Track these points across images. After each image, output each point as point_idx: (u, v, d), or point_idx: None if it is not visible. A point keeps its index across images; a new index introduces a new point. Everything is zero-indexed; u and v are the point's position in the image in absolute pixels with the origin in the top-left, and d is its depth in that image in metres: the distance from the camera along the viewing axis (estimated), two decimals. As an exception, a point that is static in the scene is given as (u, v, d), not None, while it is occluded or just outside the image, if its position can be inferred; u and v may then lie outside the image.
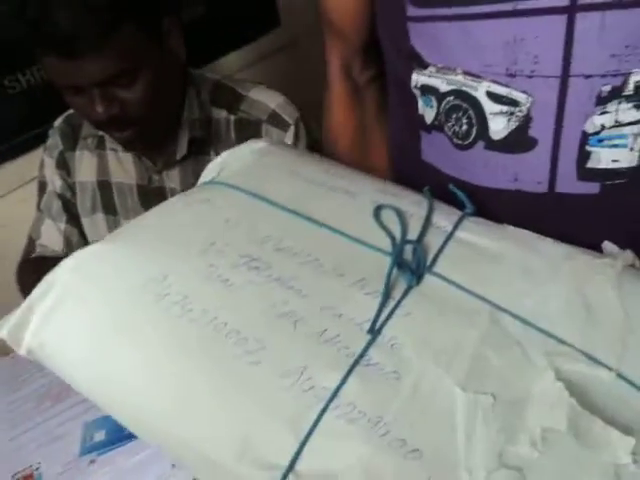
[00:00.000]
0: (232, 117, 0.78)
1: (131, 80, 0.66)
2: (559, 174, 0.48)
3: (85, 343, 0.40)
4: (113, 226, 0.84)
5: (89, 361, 0.40)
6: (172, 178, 0.80)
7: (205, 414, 0.37)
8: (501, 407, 0.34)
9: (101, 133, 0.80)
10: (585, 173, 0.47)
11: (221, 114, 0.78)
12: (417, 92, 0.52)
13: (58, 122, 0.85)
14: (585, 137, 0.45)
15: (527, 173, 0.49)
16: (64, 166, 0.84)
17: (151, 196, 0.80)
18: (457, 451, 0.33)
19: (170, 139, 0.77)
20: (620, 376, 0.36)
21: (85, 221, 0.85)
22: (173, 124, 0.76)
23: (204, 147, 0.78)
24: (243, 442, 0.35)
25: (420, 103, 0.53)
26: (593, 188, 0.47)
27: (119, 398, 0.39)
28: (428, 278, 0.41)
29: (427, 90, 0.51)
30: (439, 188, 0.50)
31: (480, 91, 0.47)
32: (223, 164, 0.52)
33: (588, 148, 0.45)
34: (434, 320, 0.39)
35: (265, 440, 0.35)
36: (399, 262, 0.41)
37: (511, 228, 0.46)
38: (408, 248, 0.43)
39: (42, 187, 0.86)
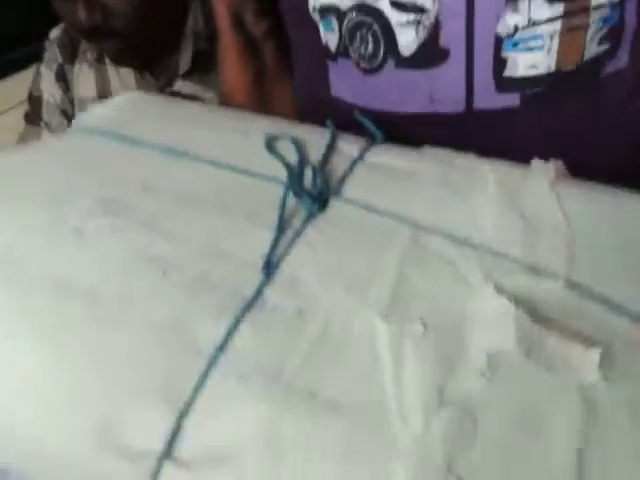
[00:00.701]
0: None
1: None
2: (476, 87, 0.42)
3: None
4: None
5: None
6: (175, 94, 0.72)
7: (50, 405, 0.27)
8: (434, 335, 0.27)
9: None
10: (503, 83, 0.42)
11: None
12: (317, 16, 0.46)
13: (55, 33, 0.77)
14: (499, 42, 0.40)
15: (442, 90, 0.43)
16: (63, 79, 0.77)
17: None
18: (384, 396, 0.25)
19: (171, 50, 0.71)
20: (570, 285, 0.30)
21: None
22: (173, 39, 0.70)
23: (209, 63, 0.70)
24: (100, 428, 0.26)
25: (322, 30, 0.46)
26: (513, 100, 0.42)
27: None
28: (334, 204, 0.34)
29: (327, 11, 0.45)
30: (352, 127, 0.44)
31: (383, 0, 0.41)
32: (86, 115, 0.44)
33: (504, 54, 0.40)
34: (343, 247, 0.31)
35: (129, 421, 0.26)
36: (297, 191, 0.33)
37: (427, 148, 0.39)
38: (308, 177, 0.35)
39: (36, 102, 0.79)
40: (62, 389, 0.27)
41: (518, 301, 0.28)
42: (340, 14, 0.44)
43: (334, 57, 0.46)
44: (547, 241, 0.32)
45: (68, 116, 0.80)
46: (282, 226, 0.31)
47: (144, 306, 0.28)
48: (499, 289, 0.28)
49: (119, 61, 0.73)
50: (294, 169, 0.34)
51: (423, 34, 0.41)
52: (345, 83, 0.48)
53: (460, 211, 0.33)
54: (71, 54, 0.79)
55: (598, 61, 0.42)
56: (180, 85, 0.74)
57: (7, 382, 0.27)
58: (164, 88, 0.73)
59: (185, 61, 0.72)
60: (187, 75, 0.73)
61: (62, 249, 0.30)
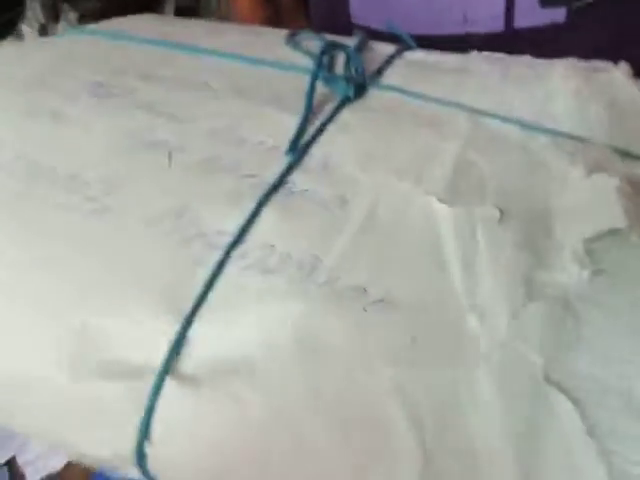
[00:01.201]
0: None
1: None
2: (517, 2, 0.37)
3: None
4: None
5: None
6: None
7: (20, 309, 0.21)
8: (513, 220, 0.21)
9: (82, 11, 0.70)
10: None
11: None
12: None
13: None
14: None
15: (478, 8, 0.38)
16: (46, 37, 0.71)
17: None
18: (452, 290, 0.19)
19: (154, 10, 0.66)
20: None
21: None
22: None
23: (194, 16, 0.67)
24: (84, 338, 0.20)
25: None
26: (558, 15, 0.37)
27: None
28: (372, 93, 0.28)
29: None
30: None
31: None
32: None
33: None
34: (387, 132, 0.25)
35: (119, 330, 0.20)
36: (328, 76, 0.28)
37: (474, 53, 0.34)
38: (340, 65, 0.30)
39: None
40: (32, 291, 0.21)
41: (617, 178, 0.22)
42: None
43: None
44: (634, 123, 0.26)
45: None
46: (310, 108, 0.25)
47: (139, 192, 0.22)
48: (591, 170, 0.23)
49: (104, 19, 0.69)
50: (320, 50, 0.28)
51: None
52: (367, 9, 0.42)
53: (526, 97, 0.27)
54: (53, 13, 0.76)
55: None
56: None
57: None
58: None
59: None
60: None
61: (36, 132, 0.25)
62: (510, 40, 0.38)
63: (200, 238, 0.21)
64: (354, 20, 0.45)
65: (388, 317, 0.19)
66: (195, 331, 0.19)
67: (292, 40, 0.32)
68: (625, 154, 0.24)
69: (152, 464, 0.20)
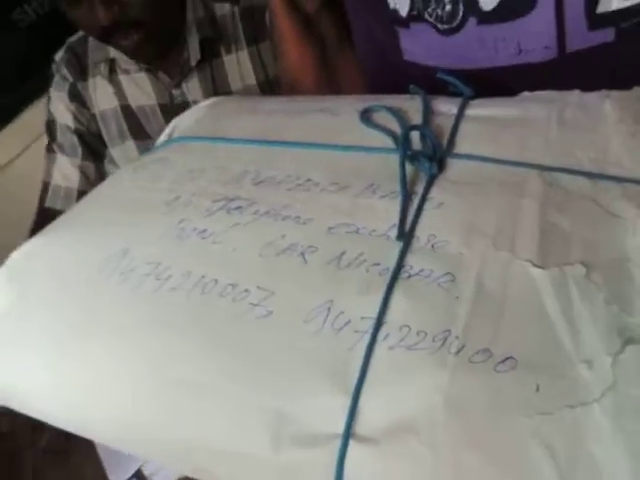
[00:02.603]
0: (236, 8, 0.73)
1: None
2: (568, 31, 0.40)
3: (45, 367, 0.31)
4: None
5: (54, 387, 0.30)
6: (193, 90, 0.73)
7: (220, 400, 0.27)
8: (598, 274, 0.26)
9: (111, 56, 0.75)
10: (597, 20, 0.39)
11: (224, 8, 0.73)
12: None
13: (59, 55, 0.79)
14: None
15: (532, 40, 0.40)
16: (78, 98, 0.78)
17: (176, 114, 0.74)
18: (563, 344, 0.24)
19: (180, 45, 0.72)
20: None
21: (115, 151, 0.78)
22: (179, 27, 0.72)
23: (215, 49, 0.73)
24: (276, 420, 0.26)
25: None
26: (608, 35, 0.40)
27: (109, 418, 0.30)
28: (451, 163, 0.33)
29: None
30: (430, 89, 0.43)
31: None
32: (174, 127, 0.44)
33: None
34: (474, 203, 0.30)
35: (304, 409, 0.26)
36: (410, 154, 0.33)
37: (525, 94, 0.38)
38: (415, 140, 0.35)
39: (51, 126, 0.80)
40: (226, 385, 0.27)
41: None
42: None
43: (406, 23, 0.45)
44: (690, 158, 0.30)
45: (81, 136, 0.79)
46: (407, 192, 0.30)
47: (290, 294, 0.28)
48: (656, 216, 0.27)
49: (141, 56, 0.73)
50: (401, 133, 0.33)
51: None
52: (420, 47, 0.46)
53: (586, 145, 0.31)
54: (81, 71, 0.79)
55: None
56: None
57: (175, 384, 0.27)
58: (179, 84, 0.74)
59: (194, 52, 0.73)
60: (198, 65, 0.73)
61: (192, 252, 0.31)
62: (564, 65, 0.41)
63: (348, 326, 0.27)
64: (406, 57, 0.48)
65: (513, 373, 0.24)
66: (364, 403, 0.25)
67: (366, 117, 0.37)
68: (683, 189, 0.28)
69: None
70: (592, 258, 0.26)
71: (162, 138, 0.43)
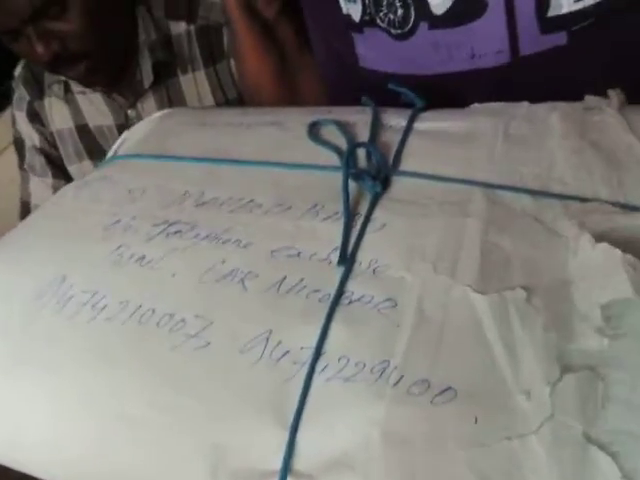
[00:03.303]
0: (192, 27, 0.71)
1: (62, 9, 0.61)
2: (520, 34, 0.39)
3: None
4: None
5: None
6: (148, 110, 0.71)
7: (156, 435, 0.26)
8: (538, 298, 0.25)
9: (64, 78, 0.73)
10: (548, 24, 0.39)
11: (180, 27, 0.71)
12: None
13: (18, 71, 0.78)
14: None
15: (484, 44, 0.40)
16: (36, 117, 0.77)
17: None
18: (502, 373, 0.24)
19: (132, 68, 0.71)
20: (671, 216, 0.27)
21: (72, 169, 0.77)
22: (130, 50, 0.70)
23: (171, 69, 0.72)
24: (214, 456, 0.25)
25: (342, 1, 0.44)
26: (560, 39, 0.39)
27: (42, 456, 0.29)
28: (396, 180, 0.32)
29: None
30: (386, 96, 0.42)
31: None
32: (122, 141, 0.43)
33: None
34: (418, 223, 0.29)
35: (242, 444, 0.25)
36: (354, 172, 0.32)
37: (475, 106, 0.37)
38: (362, 157, 0.34)
39: (20, 144, 0.79)
40: (162, 419, 0.26)
41: (620, 244, 0.26)
42: None
43: (359, 28, 0.44)
44: (632, 174, 0.29)
45: (48, 156, 0.79)
46: (349, 214, 0.30)
47: (228, 324, 0.27)
48: (597, 236, 0.26)
49: (92, 83, 0.72)
50: (345, 152, 0.33)
51: None
52: (374, 52, 0.45)
53: (531, 161, 0.31)
54: (37, 89, 0.78)
55: None
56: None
57: (107, 421, 0.26)
58: (134, 104, 0.73)
59: (147, 74, 0.71)
60: (153, 87, 0.72)
61: (129, 279, 0.30)
62: (517, 69, 0.40)
63: (286, 356, 0.26)
64: (362, 64, 0.48)
65: (452, 405, 0.23)
66: (301, 437, 0.24)
67: (314, 132, 0.36)
68: (624, 206, 0.28)
69: None
70: (533, 280, 0.26)
71: (110, 153, 0.42)
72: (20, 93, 0.78)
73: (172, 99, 0.71)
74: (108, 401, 0.27)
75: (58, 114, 0.76)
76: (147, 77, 0.71)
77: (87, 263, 0.31)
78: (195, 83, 0.72)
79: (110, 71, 0.69)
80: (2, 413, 0.29)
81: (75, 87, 0.74)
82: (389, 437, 0.23)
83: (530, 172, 0.30)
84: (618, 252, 0.25)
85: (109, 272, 0.30)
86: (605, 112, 0.33)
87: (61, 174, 0.78)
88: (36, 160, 0.78)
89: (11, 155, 0.85)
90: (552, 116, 0.33)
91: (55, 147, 0.78)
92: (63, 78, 0.74)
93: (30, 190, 0.79)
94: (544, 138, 0.32)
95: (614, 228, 0.27)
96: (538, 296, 0.25)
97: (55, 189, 0.77)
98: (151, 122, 0.44)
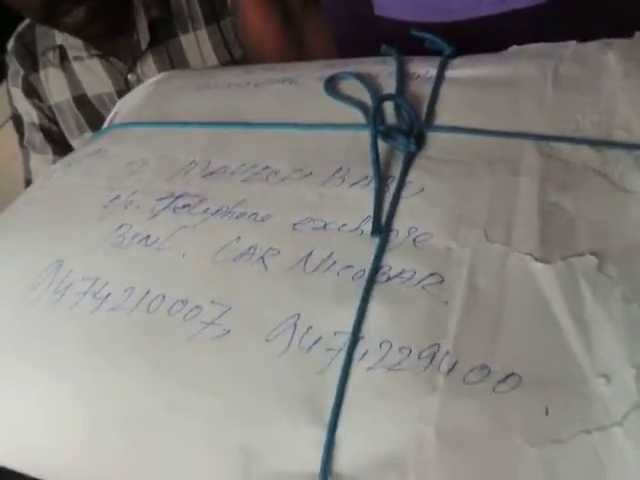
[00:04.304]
0: None
1: None
2: None
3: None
4: None
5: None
6: (149, 74, 0.68)
7: (175, 443, 0.23)
8: (612, 266, 0.22)
9: (58, 42, 0.71)
10: None
11: None
12: None
13: (10, 45, 0.75)
14: None
15: None
16: (33, 92, 0.74)
17: None
18: (572, 354, 0.20)
19: (128, 28, 0.68)
20: None
21: (75, 143, 0.75)
22: (125, 8, 0.67)
23: (169, 28, 0.69)
24: (243, 461, 0.22)
25: None
26: None
27: (48, 464, 0.26)
28: (431, 137, 0.28)
29: None
30: (406, 48, 0.38)
31: None
32: (115, 111, 0.39)
33: None
34: (462, 185, 0.25)
35: (275, 446, 0.22)
36: (383, 129, 0.28)
37: (514, 48, 0.33)
38: (389, 113, 0.30)
39: (18, 121, 0.77)
40: (181, 424, 0.23)
41: None
42: None
43: None
44: None
45: (47, 131, 0.77)
46: (381, 177, 0.26)
47: (249, 309, 0.24)
48: (675, 190, 0.23)
49: (85, 33, 0.68)
50: (371, 107, 0.29)
51: None
52: None
53: (588, 107, 0.27)
54: (31, 61, 0.75)
55: None
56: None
57: (121, 427, 0.23)
58: (133, 68, 0.70)
59: (143, 34, 0.69)
60: (152, 48, 0.69)
61: (133, 262, 0.26)
62: (554, 8, 0.36)
63: (319, 344, 0.23)
64: (378, 12, 0.44)
65: (517, 394, 0.20)
66: (341, 435, 0.21)
67: (331, 88, 0.32)
68: None
69: None
70: (603, 245, 0.22)
71: (105, 125, 0.38)
72: (14, 68, 0.75)
73: (173, 60, 0.68)
74: (118, 404, 0.24)
75: (55, 86, 0.73)
76: (144, 37, 0.67)
77: (85, 246, 0.28)
78: (197, 42, 0.69)
79: (107, 21, 0.65)
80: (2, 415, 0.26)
81: (71, 52, 0.71)
82: (445, 435, 0.20)
83: (588, 119, 0.26)
84: None
85: (111, 256, 0.27)
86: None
87: (62, 150, 0.75)
88: (35, 137, 0.76)
89: (10, 130, 0.82)
90: (608, 54, 0.28)
91: (55, 122, 0.75)
92: (58, 43, 0.70)
93: (31, 167, 0.77)
94: (601, 79, 0.27)
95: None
96: (611, 263, 0.22)
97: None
98: (147, 87, 0.40)
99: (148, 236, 0.27)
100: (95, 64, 0.70)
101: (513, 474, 0.19)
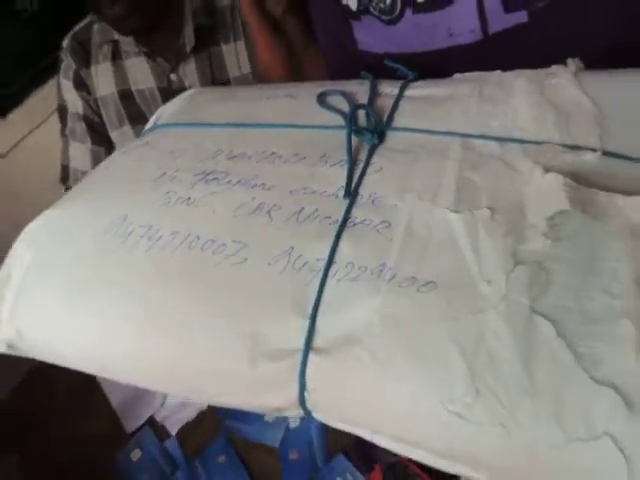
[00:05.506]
0: (236, 1, 0.78)
1: None
2: (488, 14, 0.47)
3: (63, 313, 0.37)
4: None
5: (73, 331, 0.37)
6: (189, 75, 0.78)
7: (206, 330, 0.34)
8: (499, 215, 0.32)
9: (115, 37, 0.79)
10: (510, 4, 0.46)
11: (224, 1, 0.79)
12: None
13: (66, 42, 0.83)
14: None
15: (459, 24, 0.48)
16: (82, 85, 0.82)
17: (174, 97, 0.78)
18: (470, 267, 0.31)
19: (175, 32, 0.77)
20: (605, 153, 0.34)
21: (114, 135, 0.83)
22: (176, 15, 0.76)
23: (213, 36, 0.78)
24: (252, 342, 0.33)
25: None
26: (522, 17, 0.47)
27: (119, 354, 0.36)
28: (390, 135, 0.39)
29: None
30: (382, 72, 0.49)
31: None
32: (158, 115, 0.50)
33: None
34: (408, 166, 0.37)
35: (273, 331, 0.32)
36: (356, 128, 0.39)
37: (457, 75, 0.45)
38: (362, 118, 0.41)
39: (63, 111, 0.85)
40: (211, 316, 0.33)
41: (564, 173, 0.33)
42: None
43: (356, 16, 0.52)
44: (579, 123, 0.36)
45: (90, 122, 0.84)
46: (352, 160, 0.37)
47: (259, 244, 0.35)
48: (547, 169, 0.34)
49: (122, 25, 0.75)
50: (348, 112, 0.40)
51: None
52: (370, 37, 0.53)
53: (499, 115, 0.38)
54: (84, 58, 0.83)
55: None
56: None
57: (174, 321, 0.34)
58: (176, 69, 0.79)
59: (189, 38, 0.77)
60: (195, 52, 0.78)
61: (179, 215, 0.37)
62: (488, 45, 0.48)
63: (306, 266, 0.33)
64: (360, 47, 0.56)
65: (432, 293, 0.31)
66: (319, 323, 0.32)
67: (321, 100, 0.43)
68: (572, 147, 0.35)
69: (309, 404, 0.32)
70: (496, 203, 0.33)
71: (149, 125, 0.50)
72: (67, 62, 0.83)
73: (213, 65, 0.77)
74: (167, 310, 0.34)
75: (103, 80, 0.81)
76: (189, 41, 0.77)
77: (143, 205, 0.39)
78: (236, 52, 0.78)
79: (144, 19, 0.73)
80: (80, 325, 0.36)
81: (123, 47, 0.79)
82: (386, 319, 0.31)
83: (498, 124, 0.37)
84: (560, 177, 0.32)
85: (161, 211, 0.38)
86: (562, 76, 0.40)
87: (101, 141, 0.84)
88: (77, 126, 0.84)
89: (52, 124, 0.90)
90: (519, 79, 0.40)
91: (99, 114, 0.83)
92: (115, 37, 0.79)
93: (70, 154, 0.85)
94: (510, 97, 0.39)
95: (562, 164, 0.34)
96: (499, 214, 0.33)
97: (94, 154, 0.83)
98: (184, 98, 0.52)
99: (188, 198, 0.38)
100: (142, 61, 0.79)
101: (427, 341, 0.30)
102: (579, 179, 0.34)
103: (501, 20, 0.47)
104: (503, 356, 0.28)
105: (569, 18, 0.47)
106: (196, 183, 0.39)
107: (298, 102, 0.45)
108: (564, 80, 0.39)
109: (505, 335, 0.29)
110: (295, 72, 0.65)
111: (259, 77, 0.68)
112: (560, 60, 0.45)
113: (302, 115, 0.43)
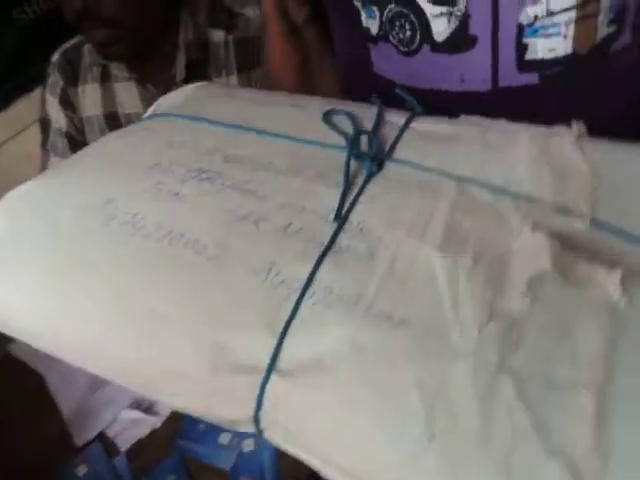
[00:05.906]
0: (230, 37, 0.79)
1: None
2: (501, 69, 0.48)
3: (30, 288, 0.36)
4: None
5: (45, 310, 0.36)
6: None
7: (173, 328, 0.33)
8: (482, 265, 0.33)
9: (105, 61, 0.78)
10: (524, 65, 0.47)
11: (219, 36, 0.79)
12: (359, 4, 0.51)
13: (55, 57, 0.82)
14: (521, 29, 0.45)
15: (472, 72, 0.48)
16: (69, 104, 0.82)
17: None
18: (445, 314, 0.31)
19: (168, 62, 0.77)
20: (594, 223, 0.35)
21: None
22: (169, 46, 0.77)
23: (204, 70, 0.79)
24: (217, 349, 0.32)
25: (363, 15, 0.52)
26: (533, 79, 0.48)
27: (82, 339, 0.35)
28: (389, 165, 0.39)
29: (369, 1, 0.50)
30: (392, 99, 0.50)
31: None
32: (159, 104, 0.50)
33: (525, 40, 0.46)
34: (400, 199, 0.37)
35: (239, 343, 0.32)
36: (356, 153, 0.39)
37: (463, 116, 0.45)
38: (364, 142, 0.41)
39: (45, 125, 0.84)
40: (179, 314, 0.33)
41: (552, 234, 0.33)
42: (381, 4, 0.49)
43: (375, 40, 0.52)
44: (574, 187, 0.37)
45: (72, 139, 0.84)
46: (347, 184, 0.37)
47: (241, 252, 0.34)
48: (535, 227, 0.34)
49: (107, 51, 0.75)
50: (351, 136, 0.40)
51: (454, 23, 0.46)
52: (385, 63, 0.53)
53: (498, 165, 0.38)
54: (72, 76, 0.82)
55: (608, 41, 0.47)
56: None
57: (142, 312, 0.33)
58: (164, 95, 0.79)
59: (180, 70, 0.78)
60: (185, 81, 0.77)
61: (166, 209, 0.37)
62: (496, 96, 0.49)
63: (284, 284, 0.33)
64: (375, 70, 0.56)
65: (406, 332, 0.31)
66: (287, 343, 0.32)
67: (327, 118, 0.43)
68: (564, 210, 0.36)
69: (263, 423, 0.32)
70: (481, 252, 0.33)
71: (148, 113, 0.49)
72: (55, 78, 0.82)
73: None
74: (139, 298, 0.34)
75: (90, 101, 0.81)
76: (180, 73, 0.77)
77: (131, 191, 0.38)
78: (227, 85, 0.79)
79: (130, 48, 0.73)
80: (48, 304, 0.36)
81: (112, 73, 0.79)
82: (355, 350, 0.31)
83: (495, 173, 0.38)
84: (547, 238, 0.32)
85: (149, 200, 0.37)
86: (565, 137, 0.40)
87: None
88: (59, 141, 0.83)
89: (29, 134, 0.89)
90: (523, 132, 0.40)
91: (82, 133, 0.83)
92: (104, 61, 0.79)
93: (48, 168, 0.83)
94: (512, 149, 0.39)
95: (551, 225, 0.35)
96: (483, 264, 0.33)
97: None
98: (187, 90, 0.51)
99: (178, 192, 0.37)
100: (131, 86, 0.79)
101: (393, 378, 0.30)
102: (566, 243, 0.34)
103: (512, 77, 0.48)
104: (463, 408, 0.29)
105: (578, 87, 0.48)
106: (188, 179, 0.38)
107: (304, 114, 0.44)
108: (566, 142, 0.40)
109: (468, 388, 0.29)
110: (307, 79, 0.65)
111: (267, 78, 0.68)
112: (565, 121, 0.46)
113: (305, 129, 0.42)
